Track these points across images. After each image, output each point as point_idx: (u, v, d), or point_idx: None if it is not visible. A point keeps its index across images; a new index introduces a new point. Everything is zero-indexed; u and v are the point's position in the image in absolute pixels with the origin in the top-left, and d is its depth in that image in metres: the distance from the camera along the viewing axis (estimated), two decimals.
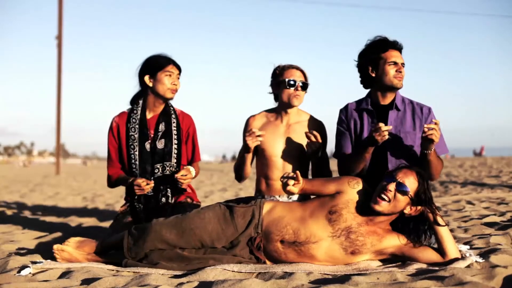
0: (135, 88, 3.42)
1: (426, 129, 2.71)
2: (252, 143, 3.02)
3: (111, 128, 3.42)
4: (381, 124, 2.76)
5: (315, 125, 3.19)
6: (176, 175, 3.21)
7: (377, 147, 2.89)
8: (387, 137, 2.78)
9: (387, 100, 3.05)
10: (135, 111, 3.39)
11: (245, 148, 3.08)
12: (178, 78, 3.36)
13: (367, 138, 2.86)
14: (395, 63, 2.97)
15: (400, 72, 2.97)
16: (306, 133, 2.97)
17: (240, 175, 3.26)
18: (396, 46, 3.02)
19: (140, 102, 3.41)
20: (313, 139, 2.94)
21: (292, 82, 3.11)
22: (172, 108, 3.44)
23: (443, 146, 3.02)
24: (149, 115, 3.40)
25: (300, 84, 3.11)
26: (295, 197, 3.10)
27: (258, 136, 3.01)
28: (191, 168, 3.30)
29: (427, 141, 2.75)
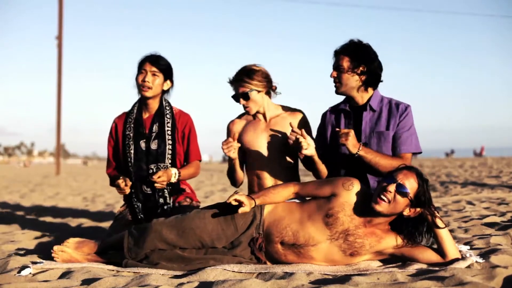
0: (134, 88, 3.44)
1: (294, 132, 2.85)
2: (229, 151, 3.03)
3: (110, 129, 3.48)
4: (342, 129, 2.88)
5: (297, 115, 3.19)
6: (152, 177, 3.19)
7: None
8: (350, 140, 2.83)
9: (362, 101, 3.07)
10: (132, 111, 3.43)
11: (229, 158, 3.11)
12: (155, 75, 3.33)
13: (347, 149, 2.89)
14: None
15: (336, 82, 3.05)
16: (289, 136, 2.92)
17: (233, 181, 3.30)
18: (336, 52, 3.04)
19: (137, 102, 3.45)
20: (296, 137, 2.87)
21: (235, 98, 3.14)
22: (168, 108, 3.44)
23: (411, 144, 2.99)
24: (145, 115, 3.42)
25: (242, 97, 3.10)
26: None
27: (231, 144, 3.02)
28: (173, 171, 3.26)
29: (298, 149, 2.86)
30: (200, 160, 3.51)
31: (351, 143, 2.83)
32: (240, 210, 2.59)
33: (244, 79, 3.08)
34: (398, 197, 2.52)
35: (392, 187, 2.52)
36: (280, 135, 3.11)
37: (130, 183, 3.25)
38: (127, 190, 3.25)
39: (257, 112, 3.20)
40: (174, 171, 3.26)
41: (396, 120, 2.99)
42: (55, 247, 2.83)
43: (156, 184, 3.19)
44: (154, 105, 3.40)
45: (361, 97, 3.06)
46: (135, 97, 3.46)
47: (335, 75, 3.02)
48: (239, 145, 3.07)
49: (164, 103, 3.43)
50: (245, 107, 3.13)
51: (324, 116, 3.22)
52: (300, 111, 3.23)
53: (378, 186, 2.59)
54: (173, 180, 3.26)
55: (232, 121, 3.31)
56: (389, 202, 2.51)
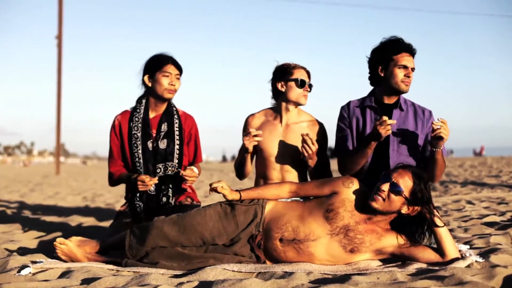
0: (137, 87, 3.43)
1: (435, 126, 2.76)
2: (249, 143, 3.03)
3: (113, 126, 3.42)
4: (386, 118, 2.78)
5: (315, 126, 3.19)
6: (182, 172, 3.22)
7: (379, 144, 2.90)
8: (390, 131, 2.81)
9: (392, 100, 3.07)
10: (138, 110, 3.39)
11: (244, 148, 3.09)
12: (178, 78, 3.35)
13: (371, 132, 2.88)
14: (405, 67, 2.98)
15: (409, 77, 2.98)
16: (302, 135, 2.96)
17: (240, 173, 3.28)
18: (410, 50, 3.01)
19: (143, 101, 3.41)
20: (309, 142, 2.92)
21: (303, 82, 3.12)
22: (174, 109, 3.44)
23: (443, 149, 3.03)
24: (151, 115, 3.40)
25: (308, 85, 3.15)
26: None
27: (256, 136, 3.02)
28: (195, 169, 3.33)
29: (436, 139, 2.79)
30: (201, 161, 3.55)
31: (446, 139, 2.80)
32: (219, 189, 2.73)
33: (310, 74, 3.21)
34: (393, 195, 2.54)
35: (385, 186, 2.55)
36: (294, 143, 3.12)
37: (156, 180, 3.22)
38: (151, 186, 3.23)
39: (283, 109, 3.19)
40: (195, 169, 3.32)
41: (424, 123, 3.04)
42: (58, 239, 2.85)
43: (190, 179, 3.23)
44: (164, 105, 3.40)
45: (394, 96, 3.07)
46: (136, 96, 3.44)
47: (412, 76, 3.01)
48: (260, 139, 3.04)
49: (171, 103, 3.44)
50: (304, 94, 3.14)
51: (347, 108, 3.15)
52: (319, 122, 3.23)
53: (375, 186, 2.61)
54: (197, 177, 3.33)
55: (252, 115, 3.30)
56: (384, 200, 2.54)
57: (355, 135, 3.09)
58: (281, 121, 3.20)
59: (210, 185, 2.76)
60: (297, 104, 3.16)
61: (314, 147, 2.94)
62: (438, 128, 2.76)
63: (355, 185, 2.67)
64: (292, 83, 3.12)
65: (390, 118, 3.01)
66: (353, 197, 2.64)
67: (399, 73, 2.97)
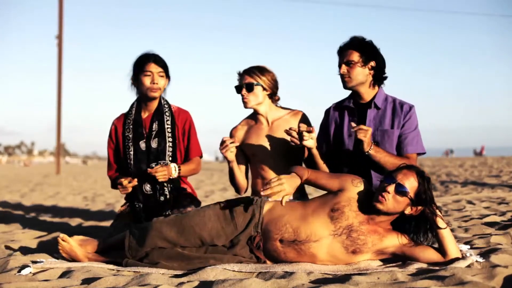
0: (128, 89, 3.44)
1: (352, 128, 2.80)
2: (229, 153, 3.04)
3: (110, 131, 3.48)
4: (354, 124, 2.83)
5: (297, 115, 3.21)
6: (149, 170, 3.18)
7: (357, 144, 2.91)
8: (365, 136, 2.79)
9: (366, 99, 3.07)
10: (130, 112, 3.43)
11: (228, 161, 3.10)
12: (162, 76, 3.34)
13: (358, 140, 2.85)
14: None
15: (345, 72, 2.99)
16: (285, 131, 2.92)
17: (236, 188, 3.29)
18: (345, 47, 3.01)
19: (135, 102, 3.45)
20: (294, 134, 2.88)
21: (237, 88, 3.18)
22: (167, 106, 3.43)
23: (415, 144, 3.00)
24: (144, 115, 3.42)
25: (246, 87, 3.14)
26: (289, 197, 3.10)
27: (232, 142, 3.03)
28: (172, 165, 3.26)
29: (360, 142, 2.82)
30: (201, 156, 3.50)
31: (368, 140, 2.82)
32: (284, 200, 2.57)
33: (255, 72, 3.16)
34: (398, 196, 2.52)
35: (391, 188, 2.53)
36: (283, 138, 3.11)
37: (135, 181, 3.22)
38: (130, 189, 3.23)
39: (259, 114, 3.20)
40: (173, 165, 3.27)
41: (401, 119, 3.00)
42: (62, 235, 2.86)
43: (157, 175, 3.17)
44: (154, 104, 3.40)
45: (368, 94, 3.05)
46: (133, 96, 3.46)
47: (346, 70, 3.00)
48: (236, 144, 3.06)
49: (162, 101, 3.43)
50: (243, 98, 3.15)
51: (327, 112, 3.20)
52: (300, 111, 3.24)
53: (379, 186, 2.60)
54: (174, 174, 3.26)
55: (235, 128, 3.32)
56: (389, 201, 2.53)
57: (332, 137, 3.12)
58: (263, 123, 3.23)
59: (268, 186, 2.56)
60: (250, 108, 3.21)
61: (308, 135, 2.85)
62: (358, 131, 2.77)
63: (362, 185, 2.66)
64: (236, 91, 3.20)
65: (365, 118, 3.02)
66: (359, 197, 2.63)
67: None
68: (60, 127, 20.79)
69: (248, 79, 3.15)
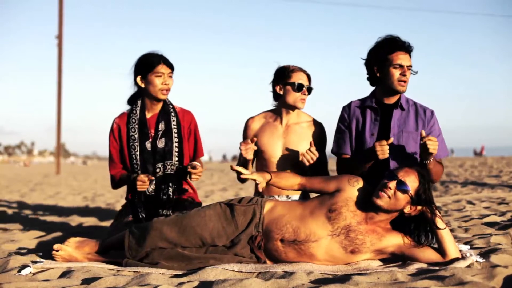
0: (130, 88, 3.42)
1: (424, 137, 2.74)
2: (247, 153, 3.06)
3: (112, 130, 3.43)
4: (385, 141, 2.79)
5: (314, 126, 3.21)
6: (190, 169, 3.19)
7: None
8: (387, 154, 2.80)
9: (392, 99, 3.05)
10: (134, 111, 3.40)
11: (243, 157, 3.11)
12: (171, 77, 3.34)
13: (370, 151, 2.85)
14: (401, 66, 2.94)
15: (405, 75, 2.94)
16: (303, 153, 2.98)
17: (242, 179, 3.28)
18: (405, 48, 2.96)
19: (139, 102, 3.41)
20: (308, 157, 2.95)
21: (300, 86, 3.13)
22: (171, 106, 3.43)
23: (443, 149, 3.02)
24: (148, 115, 3.40)
25: (307, 88, 3.15)
26: (295, 197, 3.11)
27: (252, 142, 3.05)
28: (199, 164, 3.29)
29: (426, 153, 2.78)
30: (202, 156, 3.54)
31: (435, 152, 2.78)
32: (259, 187, 2.70)
33: (310, 77, 3.22)
34: (399, 194, 2.54)
35: (392, 184, 2.54)
36: (295, 143, 3.14)
37: (153, 178, 3.23)
38: (148, 185, 3.21)
39: (283, 111, 3.21)
40: (199, 164, 3.29)
41: (425, 123, 3.01)
42: (55, 246, 2.83)
43: (193, 176, 3.19)
44: (159, 104, 3.40)
45: (395, 96, 3.05)
46: (126, 96, 3.45)
47: (408, 75, 2.97)
48: (255, 148, 3.09)
49: (167, 101, 3.43)
50: (302, 98, 3.15)
51: (347, 109, 3.13)
52: (318, 122, 3.25)
53: (380, 183, 2.60)
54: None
55: (252, 118, 3.32)
56: (390, 198, 2.53)
57: (354, 135, 3.08)
58: (281, 123, 3.22)
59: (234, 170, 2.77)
60: (293, 108, 3.17)
61: (315, 157, 2.96)
62: (429, 143, 2.73)
63: (359, 184, 2.67)
64: (289, 87, 3.13)
65: (390, 118, 3.01)
66: (357, 196, 2.63)
67: (395, 73, 2.94)
68: (60, 127, 20.79)
69: (309, 82, 3.18)
